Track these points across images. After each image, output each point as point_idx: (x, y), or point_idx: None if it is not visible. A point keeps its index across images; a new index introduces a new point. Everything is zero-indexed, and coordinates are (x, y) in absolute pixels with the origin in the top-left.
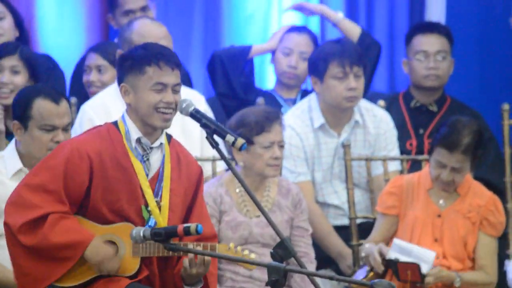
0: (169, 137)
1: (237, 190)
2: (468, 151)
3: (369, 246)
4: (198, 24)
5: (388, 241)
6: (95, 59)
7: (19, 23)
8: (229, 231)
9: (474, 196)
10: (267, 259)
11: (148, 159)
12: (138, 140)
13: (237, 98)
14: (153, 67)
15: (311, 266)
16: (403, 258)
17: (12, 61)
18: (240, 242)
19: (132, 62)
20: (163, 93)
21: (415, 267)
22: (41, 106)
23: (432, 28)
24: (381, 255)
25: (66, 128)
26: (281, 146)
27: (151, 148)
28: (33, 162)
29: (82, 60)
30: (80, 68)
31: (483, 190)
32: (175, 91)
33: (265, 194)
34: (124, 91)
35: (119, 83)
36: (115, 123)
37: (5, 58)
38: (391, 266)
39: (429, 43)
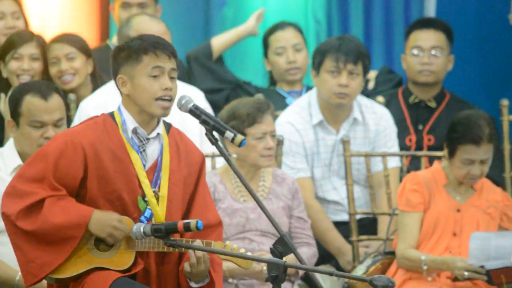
0: (168, 126)
1: (233, 181)
2: (492, 140)
3: (433, 258)
4: (197, 17)
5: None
6: (62, 48)
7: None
8: (226, 218)
9: (488, 191)
10: (266, 248)
11: (144, 150)
12: (135, 131)
13: (226, 89)
14: (150, 55)
15: (310, 253)
16: (484, 254)
17: (31, 48)
18: (238, 229)
19: (128, 52)
20: (160, 79)
21: (509, 270)
22: (30, 102)
23: (429, 23)
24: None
25: (57, 124)
26: (273, 136)
27: (148, 138)
28: None
29: None
30: None
31: (493, 185)
32: (172, 78)
33: (260, 184)
34: (121, 83)
35: (115, 75)
36: (111, 114)
37: (23, 46)
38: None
39: (424, 38)
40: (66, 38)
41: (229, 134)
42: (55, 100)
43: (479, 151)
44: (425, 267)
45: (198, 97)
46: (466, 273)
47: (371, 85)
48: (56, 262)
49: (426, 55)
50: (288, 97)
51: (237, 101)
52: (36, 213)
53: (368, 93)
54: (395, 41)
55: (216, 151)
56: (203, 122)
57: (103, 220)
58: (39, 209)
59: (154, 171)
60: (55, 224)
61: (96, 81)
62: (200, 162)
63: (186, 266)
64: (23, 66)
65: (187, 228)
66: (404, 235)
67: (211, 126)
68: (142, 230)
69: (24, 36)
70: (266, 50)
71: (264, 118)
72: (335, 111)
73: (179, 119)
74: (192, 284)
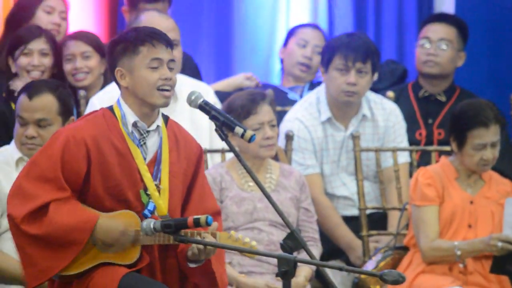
0: (165, 118)
1: (239, 172)
2: (499, 120)
3: (467, 242)
4: (207, 16)
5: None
6: (78, 46)
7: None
8: (234, 206)
9: (497, 182)
10: (275, 238)
11: (145, 143)
12: (135, 124)
13: None
14: (147, 46)
15: (317, 252)
16: None
17: (40, 44)
18: (246, 218)
19: (124, 44)
20: (159, 69)
21: None
22: (19, 100)
23: (442, 18)
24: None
25: (40, 124)
26: (273, 126)
27: (148, 131)
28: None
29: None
30: None
31: (500, 177)
32: (170, 69)
33: (267, 175)
34: (120, 75)
35: (112, 69)
36: (111, 108)
37: (33, 41)
38: None
39: (434, 30)
40: (83, 36)
41: (238, 130)
42: (42, 100)
43: (489, 133)
44: (458, 253)
45: (207, 93)
46: (499, 244)
47: (375, 76)
48: (59, 266)
49: (433, 46)
50: (289, 92)
51: (233, 95)
52: (42, 217)
53: (378, 88)
54: (406, 38)
55: (226, 147)
56: (213, 117)
57: (108, 230)
58: (44, 213)
59: (154, 164)
60: (60, 228)
61: (108, 81)
62: (198, 154)
63: (190, 255)
64: (33, 61)
65: (197, 223)
66: (425, 229)
67: (221, 122)
68: (152, 226)
69: (33, 32)
70: (288, 39)
71: (259, 108)
72: (343, 108)
73: (188, 114)
74: (191, 264)
